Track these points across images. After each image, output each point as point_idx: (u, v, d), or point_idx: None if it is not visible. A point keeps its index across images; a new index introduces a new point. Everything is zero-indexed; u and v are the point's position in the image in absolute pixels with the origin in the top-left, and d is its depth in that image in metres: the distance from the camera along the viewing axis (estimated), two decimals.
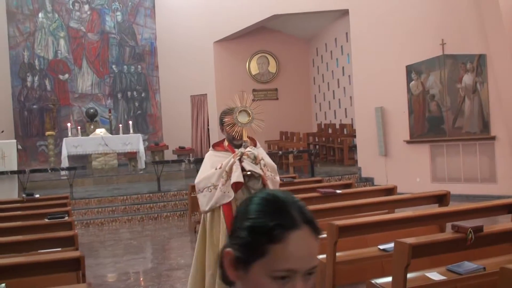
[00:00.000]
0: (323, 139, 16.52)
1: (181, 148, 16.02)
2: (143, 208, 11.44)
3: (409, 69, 11.87)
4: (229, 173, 4.16)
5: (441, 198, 6.46)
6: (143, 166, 14.88)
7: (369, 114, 12.71)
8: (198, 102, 17.38)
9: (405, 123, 12.06)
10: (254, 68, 17.35)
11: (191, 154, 16.00)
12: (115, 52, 18.01)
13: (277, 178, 4.40)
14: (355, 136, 13.96)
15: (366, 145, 13.01)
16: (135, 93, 18.17)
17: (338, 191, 7.06)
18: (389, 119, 12.41)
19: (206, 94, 17.03)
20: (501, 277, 3.55)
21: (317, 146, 16.62)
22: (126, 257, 8.07)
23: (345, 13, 13.59)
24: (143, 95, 18.24)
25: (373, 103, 12.57)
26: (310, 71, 17.91)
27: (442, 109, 11.40)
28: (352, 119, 14.60)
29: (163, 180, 12.61)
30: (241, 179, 4.14)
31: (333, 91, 16.15)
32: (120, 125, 16.16)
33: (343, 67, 15.21)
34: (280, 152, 13.89)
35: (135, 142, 14.84)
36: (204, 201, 4.27)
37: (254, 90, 17.25)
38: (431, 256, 4.49)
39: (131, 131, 15.61)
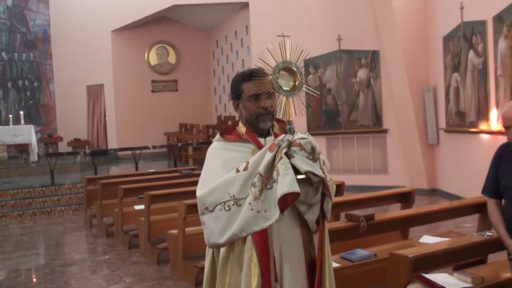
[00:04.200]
0: None
1: (77, 140, 15.50)
2: (35, 203, 10.97)
3: (307, 63, 12.13)
4: (265, 178, 2.45)
5: (336, 189, 6.65)
6: (36, 159, 14.26)
7: None
8: (95, 93, 16.87)
9: (302, 116, 12.32)
10: (153, 58, 17.10)
11: (87, 146, 15.54)
12: (4, 39, 17.03)
13: (333, 183, 2.66)
14: None
15: None
16: (27, 82, 17.30)
17: None
18: None
19: (103, 84, 16.57)
20: (390, 262, 3.72)
21: None
22: (16, 254, 7.69)
23: (245, 5, 13.68)
24: (35, 84, 17.40)
25: None
26: (210, 63, 17.88)
27: (338, 102, 11.78)
28: None
29: (57, 173, 12.15)
30: (297, 189, 2.38)
31: None
32: (10, 116, 15.35)
33: (243, 60, 15.30)
34: (180, 144, 13.86)
35: (27, 134, 14.16)
36: (217, 228, 2.52)
37: (153, 81, 17.01)
38: None
39: (23, 122, 14.83)
